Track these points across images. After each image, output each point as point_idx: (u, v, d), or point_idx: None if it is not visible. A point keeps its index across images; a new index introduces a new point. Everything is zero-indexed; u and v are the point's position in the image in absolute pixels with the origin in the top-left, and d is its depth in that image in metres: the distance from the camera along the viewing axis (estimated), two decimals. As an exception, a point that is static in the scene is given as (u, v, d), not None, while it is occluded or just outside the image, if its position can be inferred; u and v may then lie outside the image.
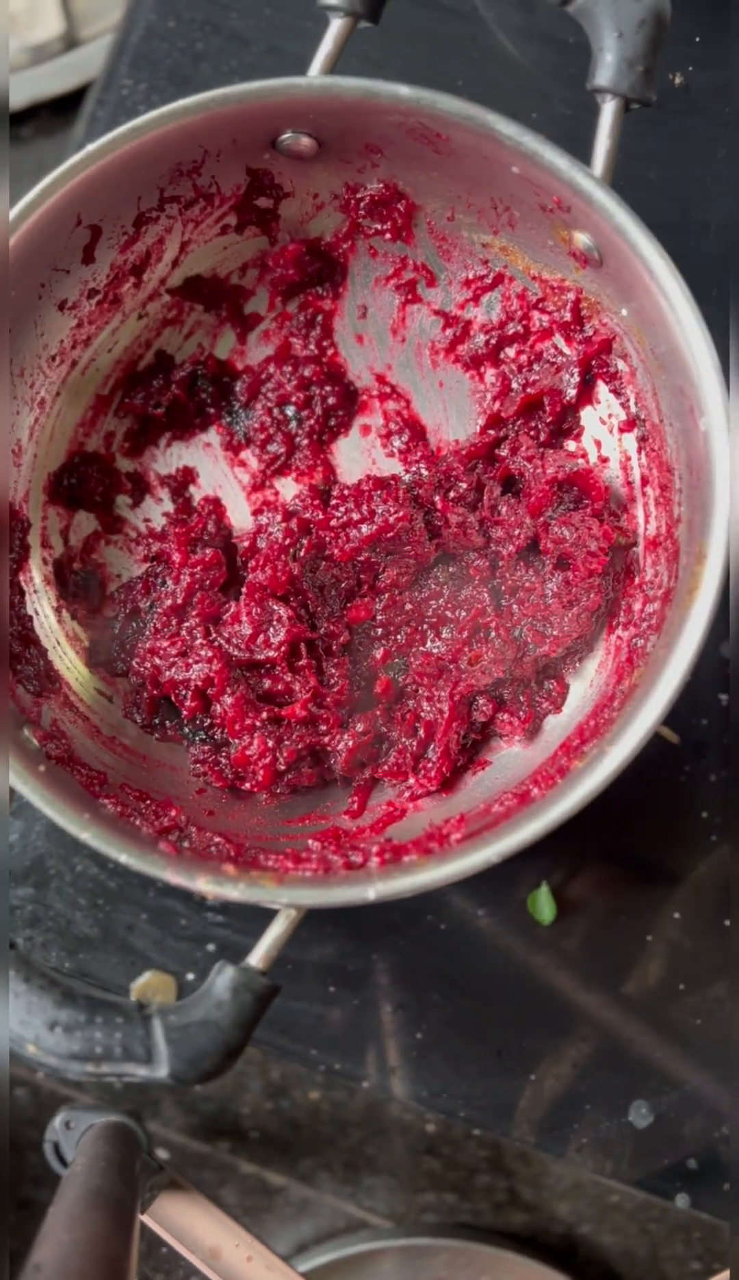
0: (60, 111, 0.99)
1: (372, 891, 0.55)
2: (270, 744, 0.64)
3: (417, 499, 0.66)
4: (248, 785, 0.65)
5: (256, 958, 0.56)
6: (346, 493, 0.66)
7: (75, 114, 0.92)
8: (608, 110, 0.60)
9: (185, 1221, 0.65)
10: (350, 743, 0.65)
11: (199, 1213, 0.65)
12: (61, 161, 0.60)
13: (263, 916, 0.67)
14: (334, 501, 0.66)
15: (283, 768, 0.64)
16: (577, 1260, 0.91)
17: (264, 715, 0.64)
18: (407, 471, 0.69)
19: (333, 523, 0.65)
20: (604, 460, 0.67)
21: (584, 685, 0.66)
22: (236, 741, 0.64)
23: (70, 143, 0.84)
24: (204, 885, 0.55)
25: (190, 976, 0.75)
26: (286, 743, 0.64)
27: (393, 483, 0.65)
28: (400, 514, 0.64)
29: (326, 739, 0.65)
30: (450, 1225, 0.91)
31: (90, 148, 0.59)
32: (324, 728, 0.65)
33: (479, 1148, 0.90)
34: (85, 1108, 0.66)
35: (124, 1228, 0.58)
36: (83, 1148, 0.63)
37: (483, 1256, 0.90)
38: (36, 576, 0.67)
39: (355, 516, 0.65)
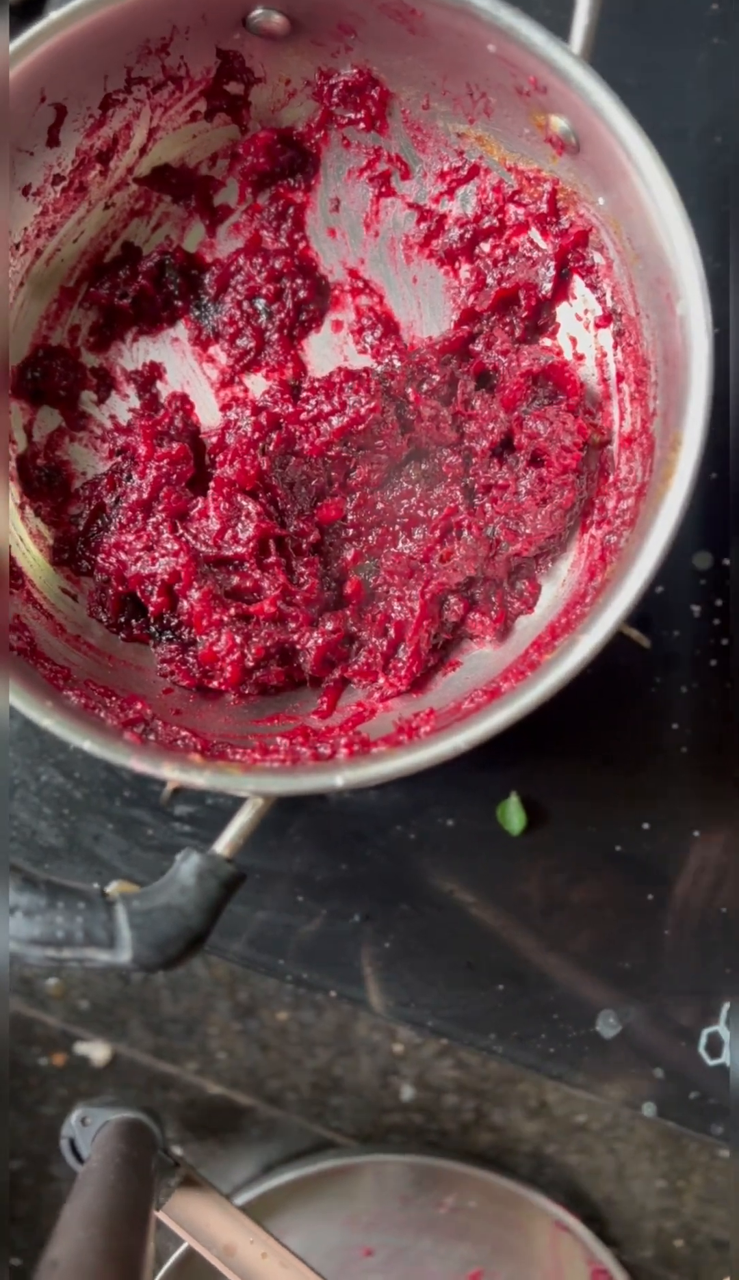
0: (26, 17, 0.96)
1: (339, 779, 0.54)
2: (238, 640, 0.62)
3: (389, 391, 0.64)
4: (215, 683, 0.64)
5: (222, 845, 0.55)
6: (317, 385, 0.64)
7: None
8: (587, -15, 0.59)
9: (200, 1218, 0.65)
10: (320, 641, 0.64)
11: (214, 1210, 0.66)
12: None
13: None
14: (304, 394, 0.64)
15: (251, 665, 0.63)
16: (543, 1180, 0.91)
17: (232, 611, 0.63)
18: (379, 365, 0.68)
19: (303, 416, 0.64)
20: (580, 357, 0.66)
21: (556, 586, 0.65)
22: (204, 638, 0.63)
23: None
24: (169, 772, 0.54)
25: (156, 886, 0.74)
26: (255, 639, 0.63)
27: (364, 375, 0.64)
28: (372, 405, 0.63)
29: (296, 637, 0.64)
30: (417, 1144, 0.91)
31: (54, 16, 0.57)
32: (293, 625, 0.64)
33: (447, 1068, 0.90)
34: (102, 1104, 0.67)
35: (139, 1224, 0.58)
36: (99, 1144, 0.64)
37: (450, 1175, 0.90)
38: (-1, 471, 0.65)
39: (326, 409, 0.64)
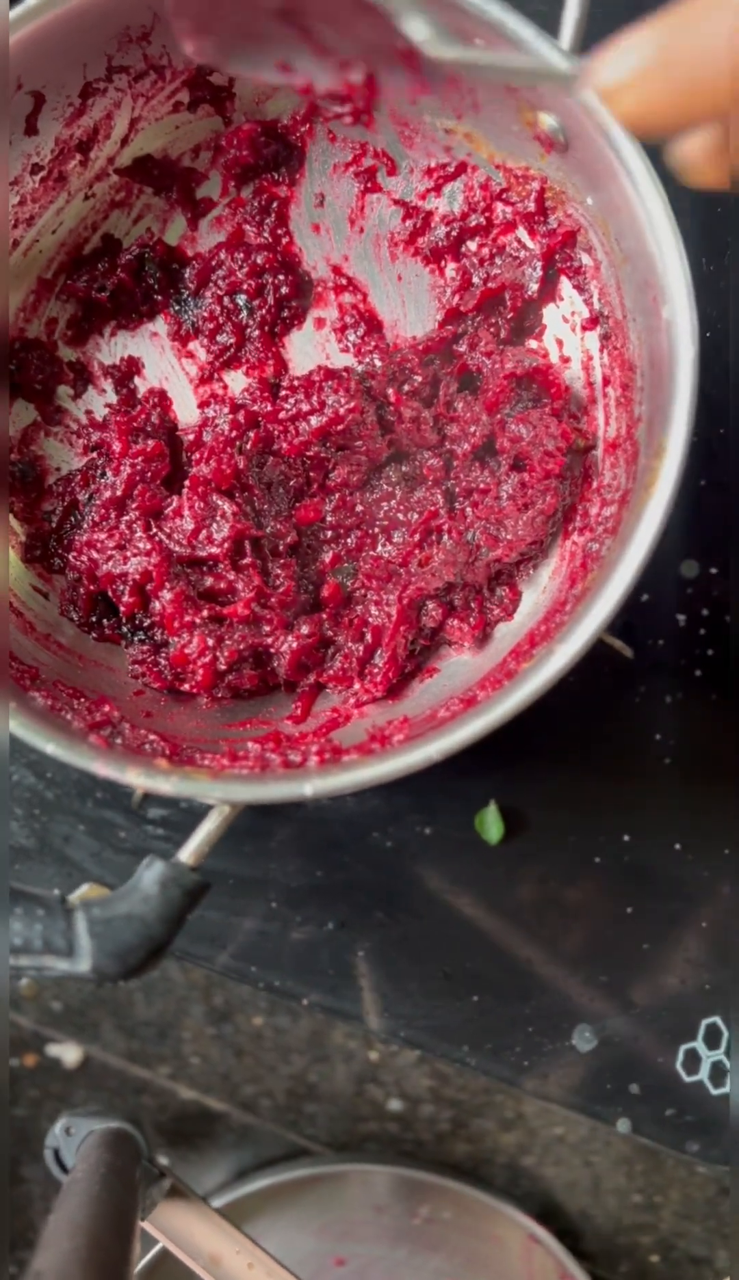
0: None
1: (308, 787, 0.53)
2: (210, 643, 0.61)
3: (369, 391, 0.63)
4: (187, 686, 0.63)
5: (187, 853, 0.54)
6: (297, 383, 0.63)
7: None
8: (578, -21, 0.57)
9: (186, 1228, 0.65)
10: (294, 645, 0.63)
11: (199, 1219, 0.65)
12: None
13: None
14: (283, 393, 0.63)
15: (224, 668, 0.62)
16: (518, 1192, 0.90)
17: (205, 613, 0.62)
18: (360, 364, 0.66)
19: (282, 415, 0.63)
20: (565, 360, 0.64)
21: (537, 593, 0.64)
22: (175, 640, 0.62)
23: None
24: (134, 778, 0.53)
25: (128, 890, 0.73)
26: (228, 642, 0.62)
27: (345, 374, 0.63)
28: (352, 405, 0.61)
29: (270, 641, 0.63)
30: (392, 1154, 0.90)
31: (30, 1, 0.56)
32: (267, 629, 0.62)
33: (423, 1078, 0.89)
34: (86, 1114, 0.66)
35: (124, 1234, 0.57)
36: (83, 1154, 0.63)
37: (424, 1186, 0.89)
38: (-29, 466, 0.64)
39: (305, 408, 0.62)
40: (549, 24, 0.57)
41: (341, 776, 0.53)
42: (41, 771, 0.74)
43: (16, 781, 0.74)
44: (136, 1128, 0.66)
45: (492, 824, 0.72)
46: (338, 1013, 0.73)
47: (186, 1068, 0.90)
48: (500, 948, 0.73)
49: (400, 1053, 0.88)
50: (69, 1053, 0.90)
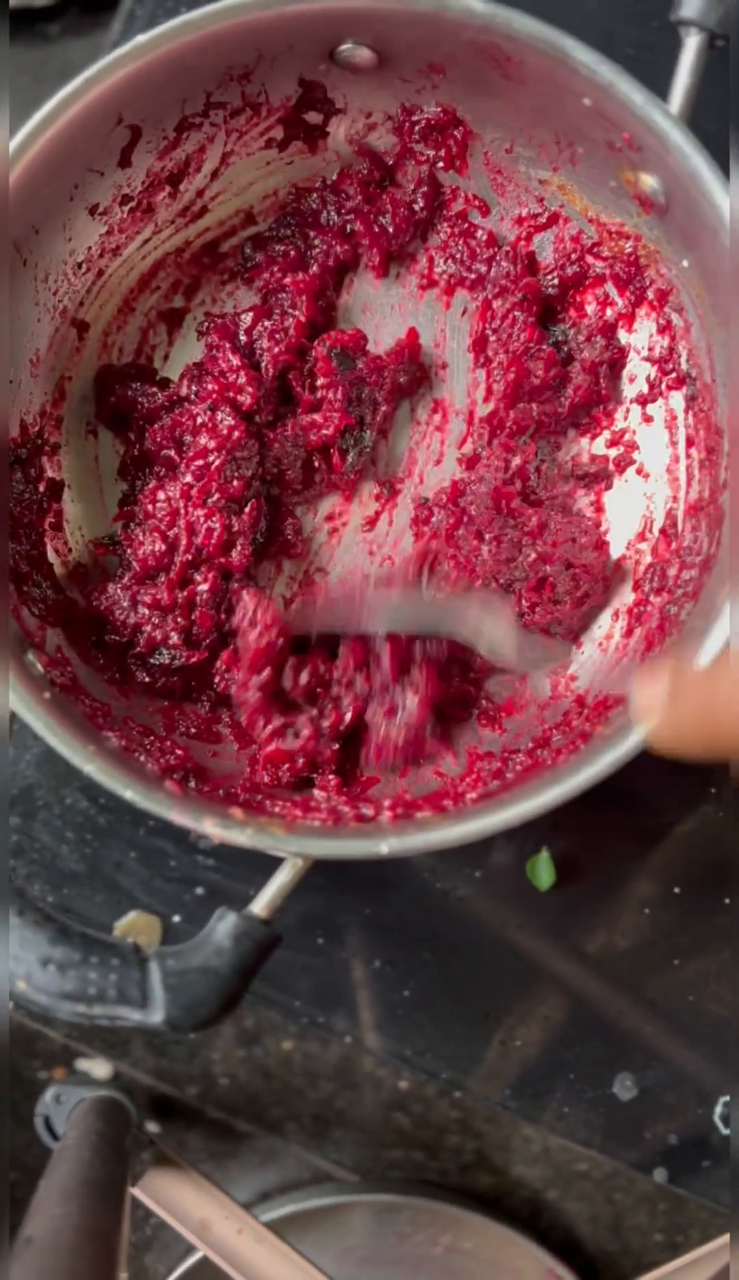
0: (91, 10, 0.93)
1: (384, 846, 0.53)
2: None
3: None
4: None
5: (259, 906, 0.54)
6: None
7: (107, 13, 0.87)
8: (691, 45, 0.57)
9: (175, 1195, 0.65)
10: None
11: (189, 1186, 0.66)
12: (92, 62, 0.56)
13: (255, 863, 0.64)
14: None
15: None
16: (540, 1225, 0.90)
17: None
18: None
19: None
20: (648, 419, 0.64)
21: (594, 647, 0.64)
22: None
23: (104, 43, 0.80)
24: (211, 828, 0.53)
25: (176, 919, 0.73)
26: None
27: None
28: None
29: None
30: (416, 1183, 0.90)
31: (141, 39, 0.55)
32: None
33: (450, 1108, 0.89)
34: (76, 1083, 0.67)
35: (115, 1201, 0.58)
36: (74, 1122, 0.64)
37: (447, 1216, 0.89)
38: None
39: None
40: (640, 71, 0.56)
41: (418, 837, 0.53)
42: (94, 796, 0.74)
43: (69, 805, 0.74)
44: (126, 1095, 0.66)
45: (543, 870, 0.72)
46: (380, 1053, 0.73)
47: (214, 1088, 0.90)
48: (545, 993, 0.73)
49: (429, 1082, 0.88)
50: (98, 1068, 0.90)
